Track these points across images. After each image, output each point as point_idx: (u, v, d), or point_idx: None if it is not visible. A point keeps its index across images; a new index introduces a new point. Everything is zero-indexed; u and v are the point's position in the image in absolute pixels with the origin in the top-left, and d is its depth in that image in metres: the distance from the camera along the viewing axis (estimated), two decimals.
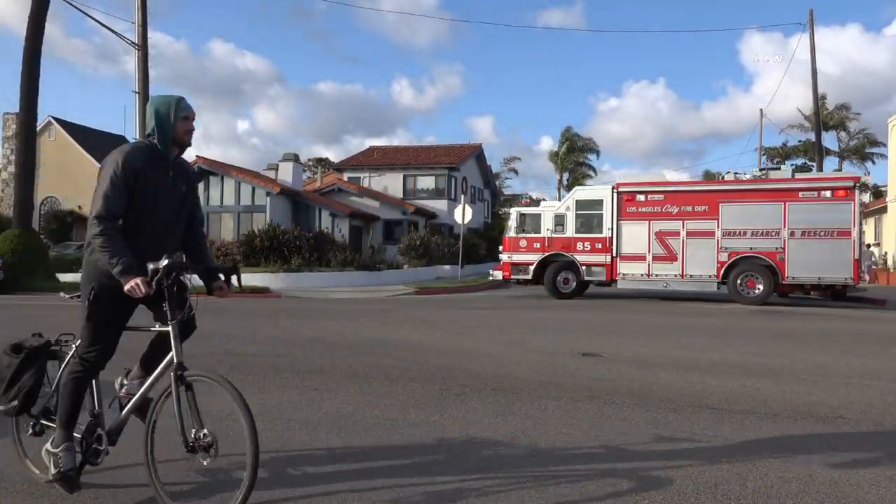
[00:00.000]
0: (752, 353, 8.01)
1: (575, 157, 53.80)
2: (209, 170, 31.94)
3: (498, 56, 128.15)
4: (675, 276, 17.85)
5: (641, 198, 18.11)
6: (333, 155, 77.09)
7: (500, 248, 20.44)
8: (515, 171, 60.54)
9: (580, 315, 13.64)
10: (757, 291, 17.48)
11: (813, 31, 27.45)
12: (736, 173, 19.70)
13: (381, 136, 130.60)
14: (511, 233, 19.32)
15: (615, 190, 18.35)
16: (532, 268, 18.92)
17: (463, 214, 24.03)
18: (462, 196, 33.18)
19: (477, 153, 41.35)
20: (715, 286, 17.76)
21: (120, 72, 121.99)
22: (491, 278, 22.30)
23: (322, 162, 63.61)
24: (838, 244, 16.92)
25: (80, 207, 38.67)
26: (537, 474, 3.56)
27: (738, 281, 17.50)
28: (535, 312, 14.24)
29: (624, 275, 18.13)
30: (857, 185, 17.49)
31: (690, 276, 17.76)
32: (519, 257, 19.10)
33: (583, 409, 5.03)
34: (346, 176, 38.03)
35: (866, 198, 51.82)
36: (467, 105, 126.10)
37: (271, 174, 35.18)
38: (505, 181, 57.14)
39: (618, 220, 18.25)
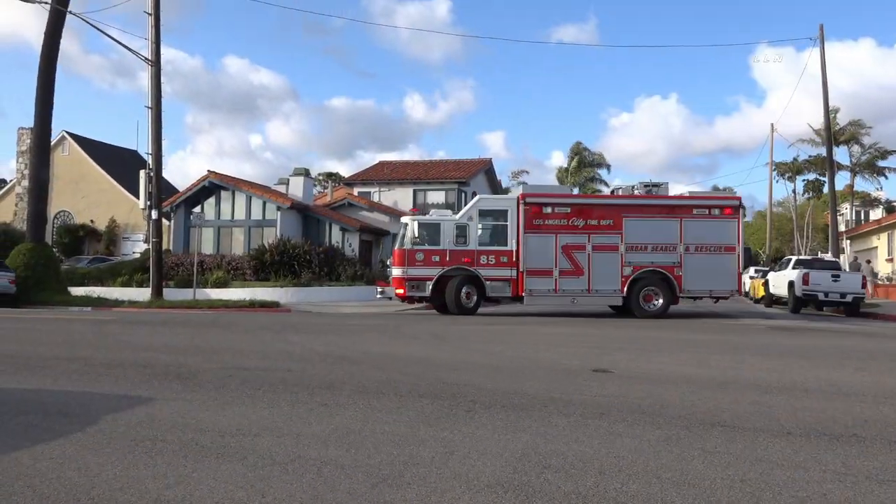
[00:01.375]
0: (764, 370, 7.94)
1: (585, 173, 53.79)
2: (220, 184, 32.16)
3: (510, 71, 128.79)
4: (582, 290, 17.52)
5: (548, 210, 17.63)
6: (345, 169, 77.44)
7: (390, 262, 19.00)
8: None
9: (592, 331, 13.59)
10: (656, 305, 17.60)
11: (823, 45, 27.45)
12: (619, 188, 19.79)
13: (393, 151, 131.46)
14: (406, 245, 17.75)
15: (521, 200, 17.66)
16: (431, 284, 17.57)
17: None
18: None
19: (486, 168, 41.49)
20: (620, 301, 17.67)
21: (136, 87, 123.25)
22: (379, 296, 19.44)
23: (332, 176, 63.87)
24: (726, 259, 17.61)
25: (91, 221, 39.00)
26: (548, 491, 3.54)
27: (641, 295, 17.56)
28: (546, 328, 14.19)
29: (531, 290, 17.51)
30: (741, 204, 18.41)
31: (597, 290, 17.54)
32: (416, 272, 17.62)
33: (593, 425, 5.00)
34: (356, 190, 38.19)
35: (879, 213, 51.53)
36: (479, 120, 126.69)
37: (282, 189, 35.39)
38: None
39: (524, 233, 17.48)
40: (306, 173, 36.13)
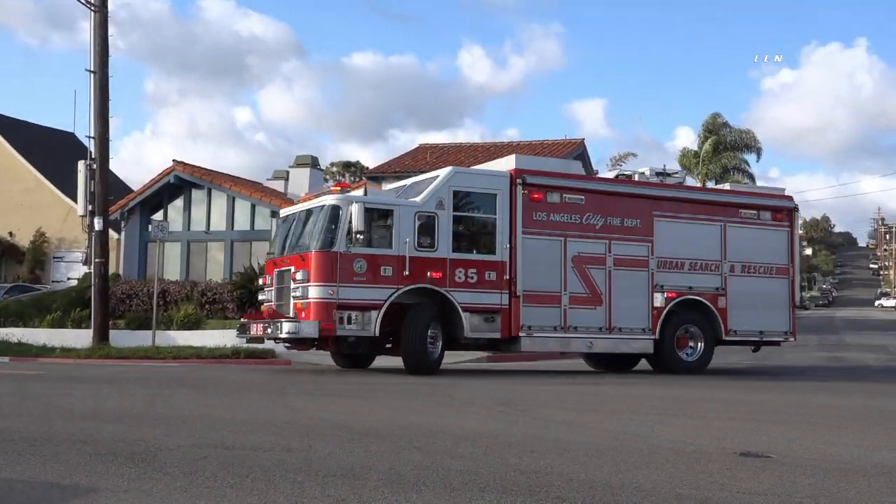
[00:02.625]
0: None
1: (724, 160, 53.15)
2: (191, 180, 32.78)
3: (616, 12, 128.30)
4: (601, 328, 16.42)
5: (555, 198, 16.36)
6: (370, 157, 78.35)
7: (296, 275, 15.27)
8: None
9: (720, 395, 13.37)
10: (693, 352, 17.08)
11: None
12: (633, 174, 18.35)
13: (442, 130, 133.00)
14: (339, 245, 14.96)
15: (517, 180, 15.99)
16: (378, 315, 15.03)
17: None
18: None
19: (578, 152, 41.42)
20: (650, 345, 16.79)
21: (76, 43, 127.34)
22: (275, 342, 16.59)
23: (352, 167, 64.77)
24: (777, 285, 17.55)
25: (11, 234, 40.12)
26: None
27: (675, 338, 16.87)
28: (662, 389, 14.02)
29: (530, 328, 15.99)
30: (795, 206, 18.12)
31: (619, 328, 16.52)
32: (351, 294, 14.95)
33: None
34: (385, 186, 38.48)
35: None
36: (568, 83, 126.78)
37: (279, 185, 35.93)
38: None
39: (522, 234, 16.01)
40: (314, 163, 36.62)
